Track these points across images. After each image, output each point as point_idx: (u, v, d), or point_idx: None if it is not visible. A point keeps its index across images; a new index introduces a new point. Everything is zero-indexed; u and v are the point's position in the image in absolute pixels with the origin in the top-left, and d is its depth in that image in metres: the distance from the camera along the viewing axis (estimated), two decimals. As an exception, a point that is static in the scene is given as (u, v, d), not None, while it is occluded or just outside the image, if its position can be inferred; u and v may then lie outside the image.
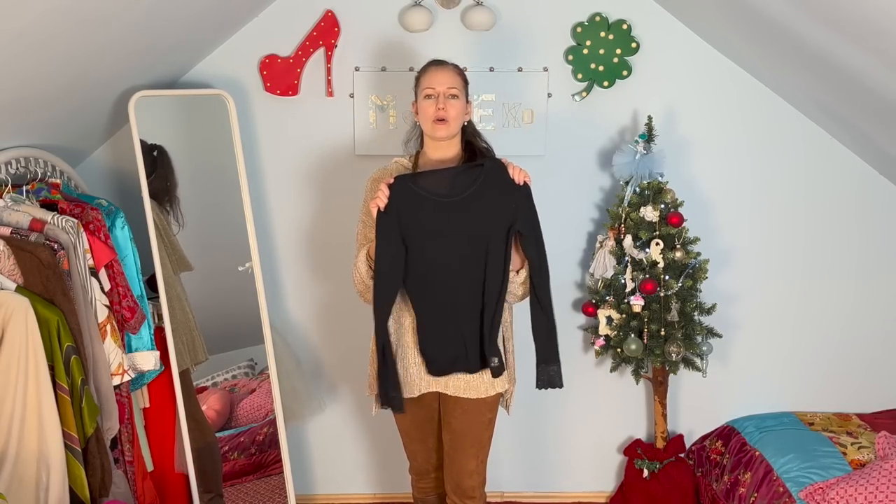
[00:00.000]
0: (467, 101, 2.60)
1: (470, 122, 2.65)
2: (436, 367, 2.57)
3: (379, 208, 2.46)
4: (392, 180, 2.48)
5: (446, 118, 2.52)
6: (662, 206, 3.15)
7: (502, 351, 2.61)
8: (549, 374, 2.59)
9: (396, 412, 2.61)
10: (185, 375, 3.17)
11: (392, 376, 2.54)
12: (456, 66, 2.62)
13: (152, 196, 3.07)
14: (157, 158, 3.13)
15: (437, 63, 2.60)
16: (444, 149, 2.60)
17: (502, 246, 2.48)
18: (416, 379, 2.59)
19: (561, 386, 2.59)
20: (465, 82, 2.61)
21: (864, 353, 3.55)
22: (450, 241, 2.48)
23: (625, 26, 3.23)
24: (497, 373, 2.57)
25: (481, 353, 2.53)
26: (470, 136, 2.64)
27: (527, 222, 2.50)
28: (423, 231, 2.49)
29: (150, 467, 3.14)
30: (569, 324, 3.51)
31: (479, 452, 2.67)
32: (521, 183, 2.49)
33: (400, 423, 2.75)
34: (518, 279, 2.55)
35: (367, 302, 2.58)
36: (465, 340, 2.53)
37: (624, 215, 3.19)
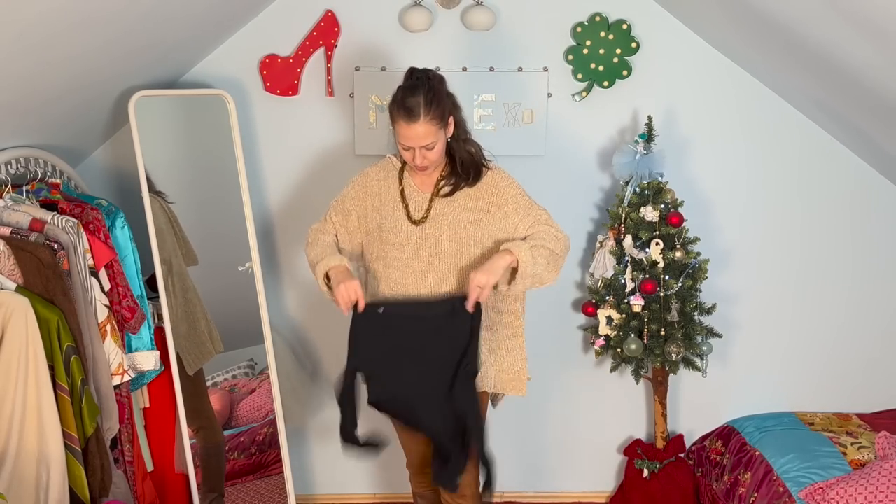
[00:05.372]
0: (447, 125, 2.47)
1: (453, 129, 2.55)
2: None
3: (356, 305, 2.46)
4: (361, 301, 2.44)
5: (426, 165, 2.50)
6: (662, 206, 3.15)
7: (486, 350, 2.59)
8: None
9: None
10: (198, 373, 3.17)
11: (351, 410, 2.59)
12: (427, 110, 2.38)
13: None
14: None
15: (406, 116, 2.38)
16: None
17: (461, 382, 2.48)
18: None
19: (452, 486, 2.56)
20: (441, 118, 2.42)
21: (864, 353, 3.55)
22: (414, 361, 2.49)
23: (625, 26, 3.23)
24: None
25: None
26: (451, 144, 2.55)
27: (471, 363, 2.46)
28: (388, 350, 2.49)
29: (150, 467, 3.15)
30: (569, 324, 3.51)
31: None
32: (471, 309, 2.41)
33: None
34: (512, 291, 2.53)
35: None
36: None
37: (624, 215, 3.19)
